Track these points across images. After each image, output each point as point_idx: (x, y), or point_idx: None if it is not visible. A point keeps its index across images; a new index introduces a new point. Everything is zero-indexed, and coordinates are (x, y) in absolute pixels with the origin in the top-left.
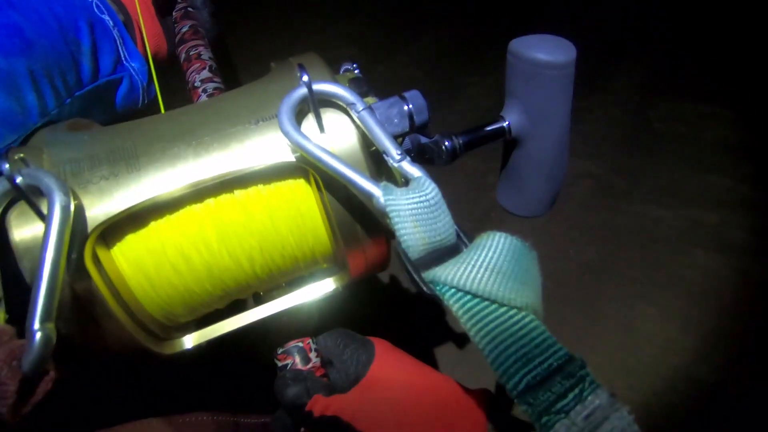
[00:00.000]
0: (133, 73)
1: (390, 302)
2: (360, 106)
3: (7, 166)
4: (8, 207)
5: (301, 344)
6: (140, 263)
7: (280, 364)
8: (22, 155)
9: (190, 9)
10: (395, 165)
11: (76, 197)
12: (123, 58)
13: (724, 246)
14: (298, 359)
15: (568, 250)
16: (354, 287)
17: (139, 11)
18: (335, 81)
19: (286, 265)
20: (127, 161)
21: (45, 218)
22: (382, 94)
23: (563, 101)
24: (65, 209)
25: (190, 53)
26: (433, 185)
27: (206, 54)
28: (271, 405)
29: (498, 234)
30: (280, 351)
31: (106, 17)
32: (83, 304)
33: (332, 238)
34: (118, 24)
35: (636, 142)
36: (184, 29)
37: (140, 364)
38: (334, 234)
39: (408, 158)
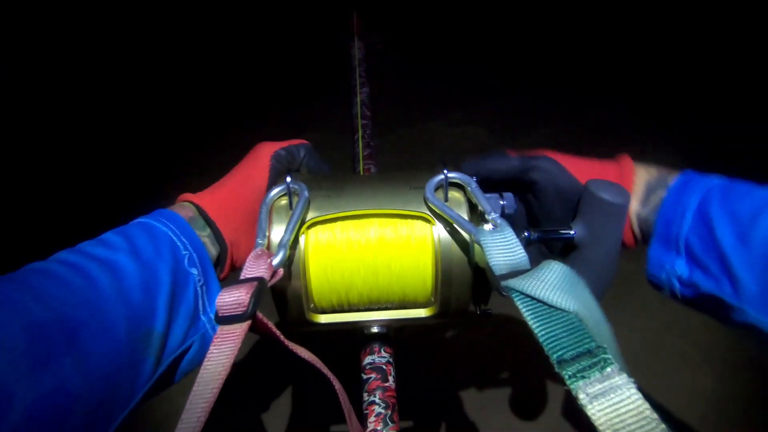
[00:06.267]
0: (208, 328)
1: None
2: (473, 185)
3: (289, 179)
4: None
5: (385, 367)
6: (319, 249)
7: (364, 377)
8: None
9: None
10: (489, 216)
11: (311, 198)
12: (200, 313)
13: None
14: (380, 377)
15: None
16: None
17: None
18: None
19: (395, 293)
20: (338, 191)
21: (293, 203)
22: None
23: (617, 230)
24: (306, 199)
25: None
26: (510, 230)
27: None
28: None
29: (554, 261)
30: (367, 365)
31: (195, 270)
32: (290, 260)
33: (433, 285)
34: (208, 271)
35: None
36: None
37: (290, 323)
38: (436, 280)
39: (497, 214)
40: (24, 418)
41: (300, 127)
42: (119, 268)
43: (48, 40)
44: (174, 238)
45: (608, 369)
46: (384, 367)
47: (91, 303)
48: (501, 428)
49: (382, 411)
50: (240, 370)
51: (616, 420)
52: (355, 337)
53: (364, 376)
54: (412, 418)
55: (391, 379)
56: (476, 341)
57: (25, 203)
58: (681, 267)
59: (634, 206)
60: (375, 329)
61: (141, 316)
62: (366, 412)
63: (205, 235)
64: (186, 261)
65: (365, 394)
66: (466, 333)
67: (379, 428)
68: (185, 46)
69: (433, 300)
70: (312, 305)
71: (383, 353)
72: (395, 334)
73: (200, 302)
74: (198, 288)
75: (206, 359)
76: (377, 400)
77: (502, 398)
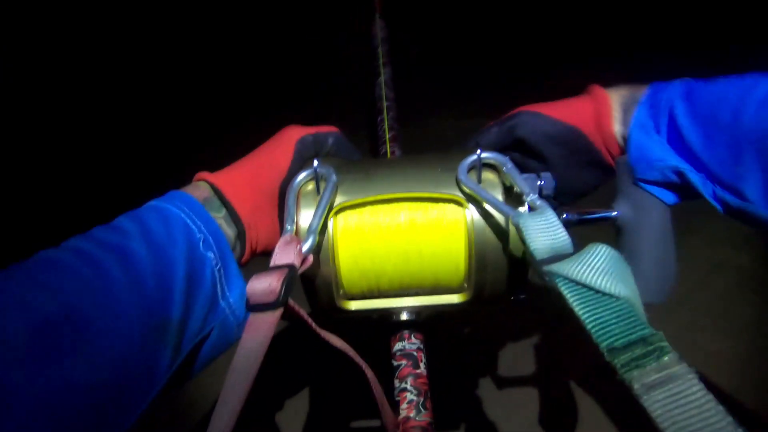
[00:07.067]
0: (228, 313)
1: None
2: (509, 165)
3: (317, 163)
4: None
5: (416, 353)
6: (349, 234)
7: (395, 363)
8: (319, 162)
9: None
10: (527, 198)
11: (339, 182)
12: (219, 298)
13: None
14: (411, 363)
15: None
16: None
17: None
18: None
19: (427, 279)
20: (366, 175)
21: (320, 188)
22: None
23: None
24: (334, 183)
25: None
26: (551, 211)
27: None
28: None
29: (601, 244)
30: (397, 352)
31: (212, 254)
32: (318, 246)
33: (466, 271)
34: (225, 254)
35: None
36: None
37: (320, 311)
38: (470, 265)
39: (536, 195)
40: (29, 415)
41: (318, 111)
42: (130, 255)
43: (48, 40)
44: (187, 220)
45: (666, 358)
46: (415, 353)
47: (101, 293)
48: (534, 419)
49: (414, 398)
50: (269, 359)
51: (676, 412)
52: (386, 323)
53: (395, 363)
54: (446, 404)
55: (422, 365)
56: (513, 330)
57: (32, 197)
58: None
59: (617, 129)
60: (405, 316)
61: (155, 305)
62: (398, 399)
63: (220, 217)
64: (201, 244)
65: (396, 381)
66: (502, 321)
67: (411, 415)
68: (194, 39)
69: (466, 286)
70: (342, 292)
71: (413, 339)
72: (428, 321)
73: (218, 286)
74: (215, 272)
75: (239, 348)
76: (409, 387)
77: (537, 390)
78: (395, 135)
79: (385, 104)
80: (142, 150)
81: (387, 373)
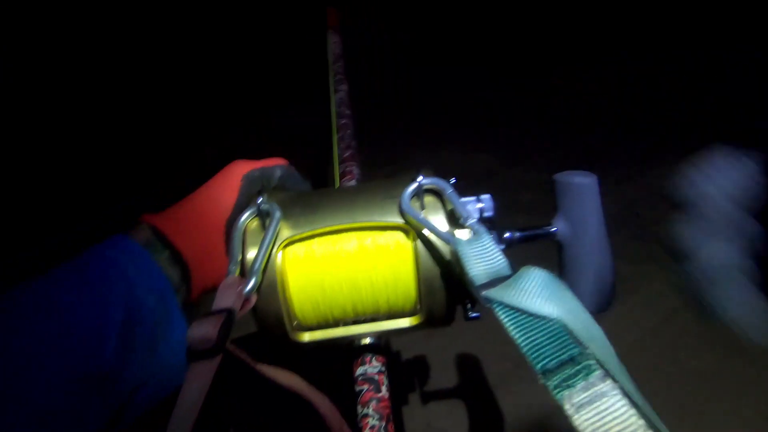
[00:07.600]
0: (169, 357)
1: None
2: (449, 191)
3: (260, 200)
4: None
5: (377, 377)
6: (297, 267)
7: (357, 389)
8: (266, 198)
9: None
10: (466, 223)
11: (284, 217)
12: (157, 344)
13: None
14: (372, 387)
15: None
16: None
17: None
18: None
19: (379, 305)
20: (312, 208)
21: (266, 225)
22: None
23: (594, 210)
24: (278, 219)
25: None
26: (488, 236)
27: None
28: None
29: (533, 267)
30: (359, 377)
31: (152, 297)
32: (264, 281)
33: (416, 295)
34: (167, 297)
35: None
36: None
37: (271, 343)
38: (419, 289)
39: (475, 220)
40: None
41: (318, 110)
42: (61, 306)
43: (48, 40)
44: (128, 265)
45: (591, 376)
46: (376, 377)
47: (24, 345)
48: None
49: (376, 423)
50: (224, 393)
51: (601, 430)
52: (345, 349)
53: (357, 388)
54: (410, 425)
55: (384, 389)
56: (472, 345)
57: (32, 196)
58: None
59: None
60: (368, 339)
61: (86, 354)
62: (360, 425)
63: (163, 258)
64: (141, 288)
65: (359, 407)
66: (464, 337)
67: None
68: (195, 40)
69: (419, 308)
70: (296, 323)
71: (375, 363)
72: (386, 343)
73: (158, 331)
74: (155, 316)
75: (179, 397)
76: (371, 412)
77: (498, 409)
78: (352, 153)
79: (340, 123)
80: (144, 150)
81: (354, 399)
